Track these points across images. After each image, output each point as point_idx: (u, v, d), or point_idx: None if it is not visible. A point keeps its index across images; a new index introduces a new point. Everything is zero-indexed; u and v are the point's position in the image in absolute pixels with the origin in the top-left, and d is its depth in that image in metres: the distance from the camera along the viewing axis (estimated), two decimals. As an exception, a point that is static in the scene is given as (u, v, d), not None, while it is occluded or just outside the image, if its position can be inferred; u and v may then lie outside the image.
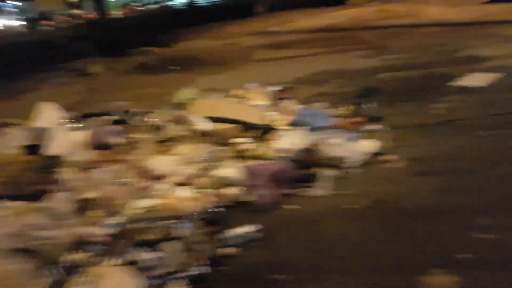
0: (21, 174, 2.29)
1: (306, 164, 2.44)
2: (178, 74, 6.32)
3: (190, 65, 6.78)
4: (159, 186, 2.27)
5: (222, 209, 2.13)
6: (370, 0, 12.73)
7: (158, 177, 2.34)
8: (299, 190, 2.30)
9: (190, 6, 27.24)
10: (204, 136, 2.73)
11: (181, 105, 3.37)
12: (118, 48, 8.81)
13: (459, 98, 3.37)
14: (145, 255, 1.73)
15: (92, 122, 3.00)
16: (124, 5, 40.84)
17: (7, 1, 39.72)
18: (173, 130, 2.90)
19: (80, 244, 1.80)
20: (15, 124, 2.82)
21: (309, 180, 2.36)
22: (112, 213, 2.02)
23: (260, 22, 11.92)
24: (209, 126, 2.79)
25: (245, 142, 2.68)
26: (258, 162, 2.47)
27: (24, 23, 35.01)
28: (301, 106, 3.28)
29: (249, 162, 2.50)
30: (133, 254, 1.74)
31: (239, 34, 9.64)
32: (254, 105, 3.45)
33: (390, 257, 1.66)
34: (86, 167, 2.34)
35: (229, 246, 1.86)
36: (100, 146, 2.58)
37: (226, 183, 2.31)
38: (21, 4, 39.89)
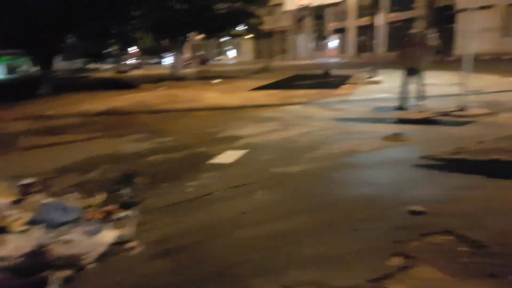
0: None
1: (34, 269, 2.14)
2: None
3: None
4: None
5: None
6: (159, 86, 13.70)
7: None
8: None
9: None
10: None
11: None
12: None
13: (212, 175, 3.78)
14: None
15: None
16: None
17: None
18: None
19: None
20: None
21: (39, 286, 2.06)
22: None
23: (42, 104, 10.91)
24: None
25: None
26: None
27: None
28: (46, 201, 2.97)
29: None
30: None
31: (8, 119, 8.47)
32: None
33: None
34: None
35: None
36: None
37: None
38: None
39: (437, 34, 7.15)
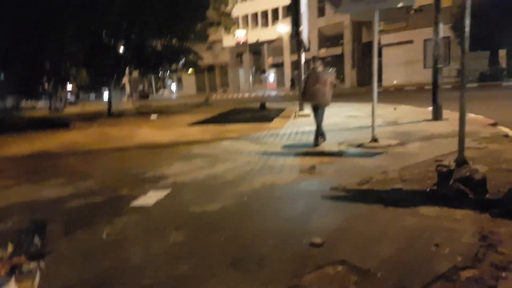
0: None
1: None
2: None
3: None
4: None
5: None
6: (93, 124, 13.36)
7: None
8: None
9: None
10: None
11: None
12: None
13: (130, 218, 3.81)
14: None
15: None
16: None
17: None
18: None
19: None
20: None
21: None
22: None
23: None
24: None
25: None
26: None
27: None
28: None
29: None
30: None
31: None
32: None
33: None
34: None
35: None
36: None
37: None
38: None
39: (334, 71, 7.47)
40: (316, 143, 7.02)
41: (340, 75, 8.92)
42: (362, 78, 32.59)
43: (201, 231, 3.39)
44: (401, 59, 27.98)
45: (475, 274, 2.41)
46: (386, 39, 28.76)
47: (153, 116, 15.29)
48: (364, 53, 31.67)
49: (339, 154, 6.23)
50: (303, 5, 11.70)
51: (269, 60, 44.40)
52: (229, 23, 23.66)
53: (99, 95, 41.38)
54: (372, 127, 6.82)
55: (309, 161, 5.77)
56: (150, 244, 3.16)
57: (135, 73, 22.00)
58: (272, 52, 43.50)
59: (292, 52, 37.20)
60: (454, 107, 6.04)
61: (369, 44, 28.62)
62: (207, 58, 44.22)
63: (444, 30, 9.38)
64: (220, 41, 44.52)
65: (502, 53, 24.11)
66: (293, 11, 11.70)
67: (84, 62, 18.40)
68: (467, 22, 4.18)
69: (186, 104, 22.78)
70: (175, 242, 3.18)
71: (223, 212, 3.80)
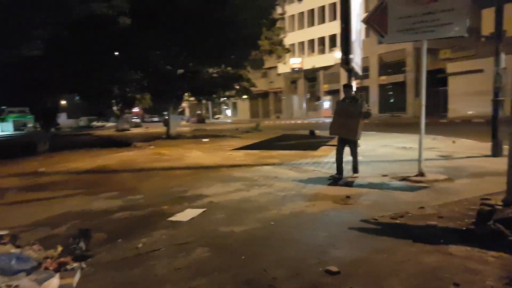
0: None
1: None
2: None
3: None
4: None
5: None
6: (151, 144, 14.39)
7: None
8: None
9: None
10: None
11: None
12: None
13: (165, 232, 4.16)
14: None
15: None
16: None
17: None
18: None
19: None
20: None
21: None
22: None
23: (37, 161, 11.51)
24: None
25: None
26: None
27: None
28: (9, 251, 3.36)
29: None
30: None
31: (3, 174, 9.02)
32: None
33: None
34: None
35: None
36: None
37: None
38: None
39: (366, 103, 6.73)
40: (336, 175, 6.67)
41: (368, 105, 8.62)
42: (426, 108, 31.07)
43: (224, 249, 3.61)
44: (469, 88, 25.78)
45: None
46: (453, 67, 27.15)
47: (205, 140, 16.07)
48: (428, 82, 30.38)
49: (379, 186, 6.14)
50: (354, 33, 11.79)
51: (324, 87, 44.40)
52: (281, 52, 24.34)
53: (162, 118, 44.24)
54: (419, 160, 6.63)
55: (346, 191, 5.74)
56: (176, 256, 3.45)
57: (193, 99, 23.30)
58: (328, 78, 43.40)
59: (357, 77, 36.83)
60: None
61: (434, 72, 27.46)
62: (261, 84, 45.58)
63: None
64: (275, 67, 45.50)
65: None
66: (343, 38, 11.83)
67: (147, 88, 20.01)
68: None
69: (237, 129, 23.54)
70: (199, 257, 3.43)
71: (248, 234, 3.99)
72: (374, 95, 38.14)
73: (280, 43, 23.74)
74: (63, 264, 3.25)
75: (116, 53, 15.30)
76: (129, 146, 14.75)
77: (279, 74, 47.49)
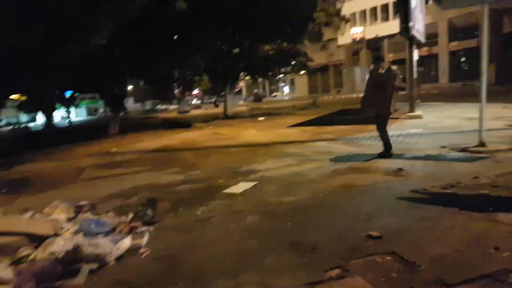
0: None
1: (72, 261, 3.06)
2: (2, 196, 6.39)
3: (20, 186, 6.95)
4: None
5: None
6: (209, 124, 15.10)
7: None
8: (63, 282, 2.87)
9: (47, 127, 26.71)
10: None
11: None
12: None
13: (220, 202, 4.58)
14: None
15: None
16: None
17: None
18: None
19: None
20: None
21: (73, 273, 2.97)
22: None
23: (109, 142, 12.74)
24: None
25: (24, 249, 3.20)
26: (29, 264, 3.00)
27: None
28: (87, 218, 3.98)
29: (23, 265, 3.00)
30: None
31: (82, 155, 10.19)
32: (53, 219, 4.02)
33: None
34: None
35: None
36: None
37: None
38: None
39: (400, 73, 6.17)
40: (387, 153, 6.26)
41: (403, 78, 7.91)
42: (501, 75, 28.40)
43: (272, 217, 3.91)
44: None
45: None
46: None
47: (261, 118, 16.43)
48: (506, 45, 27.54)
49: (435, 158, 6.01)
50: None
51: (389, 56, 42.00)
52: (339, 24, 23.50)
53: (220, 99, 45.43)
54: (480, 130, 6.34)
55: (399, 164, 5.67)
56: (230, 223, 3.83)
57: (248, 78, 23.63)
58: (393, 47, 40.68)
59: (420, 46, 34.68)
60: None
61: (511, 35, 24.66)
62: (320, 58, 44.28)
63: None
64: (335, 39, 43.81)
65: None
66: (401, 5, 11.22)
67: (205, 70, 20.72)
68: None
69: (294, 107, 23.57)
70: (250, 223, 3.78)
71: (296, 204, 4.25)
72: (444, 63, 35.47)
73: (337, 13, 22.94)
74: (134, 228, 3.79)
75: (175, 37, 16.00)
76: (189, 127, 15.64)
77: (339, 46, 45.60)
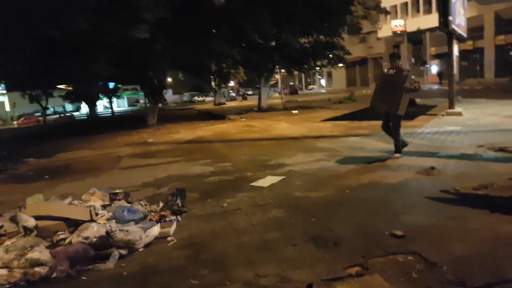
0: None
1: (104, 246, 3.29)
2: (45, 182, 6.89)
3: (61, 173, 7.45)
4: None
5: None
6: (243, 117, 15.27)
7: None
8: (95, 265, 3.10)
9: (91, 116, 28.13)
10: (27, 230, 3.45)
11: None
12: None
13: (247, 195, 4.68)
14: None
15: None
16: (22, 115, 40.10)
17: None
18: (7, 227, 3.58)
19: None
20: None
21: (104, 258, 3.19)
22: None
23: (147, 133, 13.26)
24: (32, 223, 3.53)
25: (61, 233, 3.47)
26: (64, 247, 3.25)
27: None
28: (122, 205, 4.22)
29: (59, 248, 3.26)
30: None
31: (121, 144, 10.71)
32: (90, 205, 4.31)
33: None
34: None
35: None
36: None
37: (36, 263, 3.02)
38: None
39: (412, 73, 5.91)
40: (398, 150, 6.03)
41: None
42: None
43: (297, 211, 3.96)
44: None
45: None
46: None
47: (294, 111, 16.36)
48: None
49: (470, 157, 5.76)
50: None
51: (431, 50, 40.17)
52: (377, 17, 22.78)
53: (256, 91, 45.63)
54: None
55: (432, 162, 5.50)
56: (254, 215, 3.93)
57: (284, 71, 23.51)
58: (436, 41, 38.93)
59: (462, 40, 33.01)
60: None
61: None
62: (359, 50, 43.15)
63: None
64: (375, 32, 42.49)
65: None
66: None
67: (241, 63, 20.89)
68: None
69: (329, 100, 23.22)
70: (274, 216, 3.86)
71: (322, 200, 4.27)
72: (489, 57, 33.51)
73: (375, 7, 22.25)
74: (163, 217, 3.99)
75: (214, 31, 16.24)
76: (223, 119, 15.91)
77: (379, 39, 44.20)
